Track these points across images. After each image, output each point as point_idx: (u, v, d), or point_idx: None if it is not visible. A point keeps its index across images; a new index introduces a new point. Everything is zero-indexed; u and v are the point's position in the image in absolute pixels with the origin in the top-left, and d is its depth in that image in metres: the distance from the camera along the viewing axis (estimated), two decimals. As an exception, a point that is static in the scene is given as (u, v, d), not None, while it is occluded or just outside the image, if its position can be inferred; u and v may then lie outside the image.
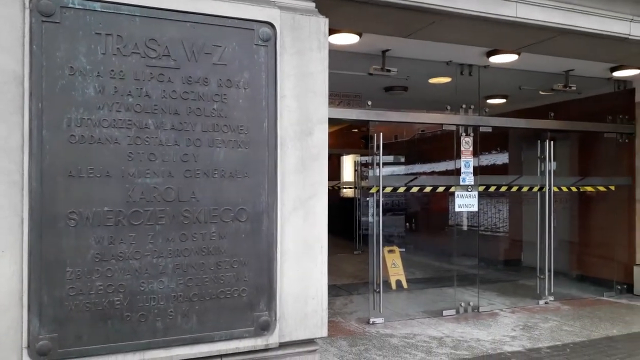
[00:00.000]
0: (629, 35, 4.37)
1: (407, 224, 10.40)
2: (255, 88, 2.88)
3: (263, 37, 2.90)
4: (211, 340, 2.71)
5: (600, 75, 6.42)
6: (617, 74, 6.22)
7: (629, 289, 6.68)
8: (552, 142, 6.26)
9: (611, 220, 6.87)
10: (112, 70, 2.56)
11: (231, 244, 2.77)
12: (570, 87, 6.44)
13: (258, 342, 2.81)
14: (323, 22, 3.18)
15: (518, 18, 3.99)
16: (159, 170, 2.64)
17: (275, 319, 2.85)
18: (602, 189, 6.63)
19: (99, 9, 2.54)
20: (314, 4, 3.22)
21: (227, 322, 2.75)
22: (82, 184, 2.49)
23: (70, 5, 2.49)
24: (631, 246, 6.73)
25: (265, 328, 2.83)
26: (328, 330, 3.09)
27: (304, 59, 3.09)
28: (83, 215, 2.49)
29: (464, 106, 5.84)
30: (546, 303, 6.10)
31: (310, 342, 3.02)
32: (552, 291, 6.21)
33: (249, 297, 2.80)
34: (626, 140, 6.79)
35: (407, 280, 6.25)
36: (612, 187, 6.64)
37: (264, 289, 2.83)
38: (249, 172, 2.82)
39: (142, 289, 2.59)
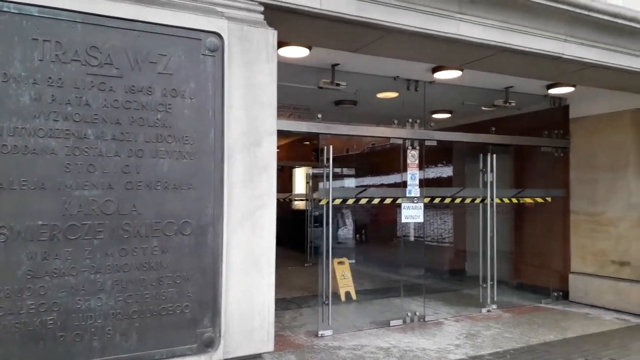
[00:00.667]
0: (563, 54, 4.60)
1: (357, 235, 10.51)
2: (201, 98, 2.84)
3: (210, 47, 2.87)
4: (152, 358, 2.61)
5: (538, 92, 6.75)
6: (553, 91, 6.57)
7: (565, 296, 7.02)
8: (493, 155, 6.52)
9: (548, 231, 7.23)
10: (50, 78, 2.45)
11: (174, 258, 2.69)
12: (509, 103, 6.75)
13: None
14: (272, 34, 3.19)
15: (460, 35, 4.11)
16: (98, 182, 2.54)
17: (220, 335, 2.78)
18: (539, 200, 6.97)
19: (37, 14, 2.44)
20: (262, 16, 3.23)
21: (169, 340, 2.66)
22: (14, 196, 2.35)
23: (5, 9, 2.37)
24: (566, 255, 7.10)
25: (209, 345, 2.75)
26: (276, 344, 3.04)
27: (253, 70, 3.08)
28: (14, 229, 2.35)
29: (410, 120, 5.99)
30: (489, 311, 6.31)
31: (256, 357, 2.97)
32: (494, 299, 6.43)
33: (193, 313, 2.72)
34: (561, 154, 7.18)
35: (357, 292, 6.28)
36: (549, 199, 7.00)
37: (208, 304, 2.76)
38: (194, 184, 2.76)
39: (78, 306, 2.46)
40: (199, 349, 2.72)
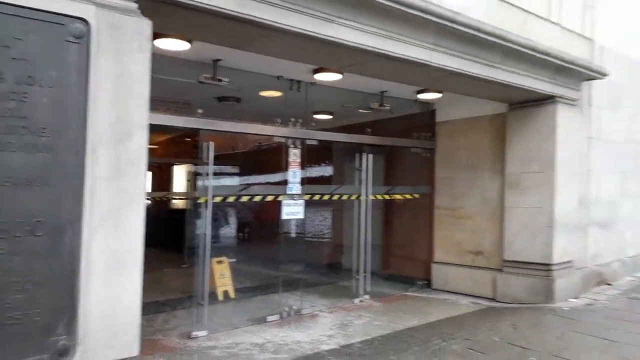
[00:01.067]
0: (430, 61, 4.97)
1: (240, 234, 10.44)
2: (63, 87, 2.64)
3: (75, 34, 2.68)
4: (-5, 373, 2.38)
5: (409, 97, 7.24)
6: (422, 96, 7.10)
7: (429, 284, 7.66)
8: (369, 155, 6.90)
9: (416, 224, 7.84)
10: None
11: (24, 262, 2.45)
12: (384, 106, 7.18)
13: (56, 370, 2.54)
14: (146, 24, 3.06)
15: (340, 39, 4.26)
16: None
17: (77, 343, 2.59)
18: (409, 196, 7.53)
19: None
20: (136, 5, 3.08)
21: (14, 352, 2.41)
22: None
23: None
24: (430, 246, 7.76)
25: (63, 353, 2.55)
26: (146, 348, 2.93)
27: (123, 60, 2.94)
28: None
29: (292, 120, 6.08)
30: (361, 301, 6.64)
31: (121, 362, 2.83)
32: (367, 290, 6.80)
33: (45, 320, 2.50)
34: (428, 155, 7.82)
35: (236, 290, 6.23)
36: (417, 195, 7.58)
37: (63, 310, 2.56)
38: (51, 180, 2.55)
39: None
40: (52, 359, 2.52)
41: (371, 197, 6.95)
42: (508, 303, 6.59)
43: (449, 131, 7.67)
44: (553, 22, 6.42)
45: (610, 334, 5.04)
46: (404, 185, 7.56)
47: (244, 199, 5.83)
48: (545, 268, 6.41)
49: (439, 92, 6.79)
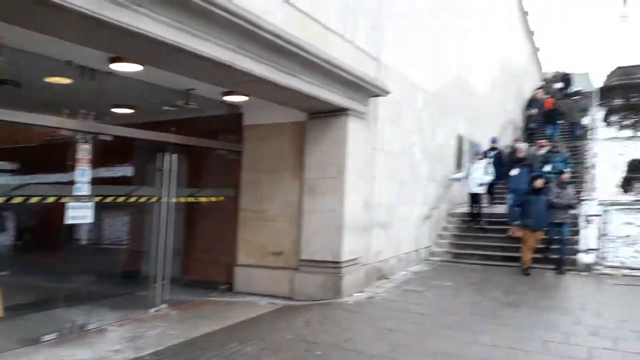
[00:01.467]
0: (234, 64, 4.93)
1: (18, 242, 8.97)
2: None
3: None
4: None
5: (216, 97, 7.10)
6: (228, 98, 7.01)
7: (231, 288, 7.63)
8: (174, 155, 6.59)
9: (220, 228, 7.78)
10: None
11: None
12: (189, 104, 6.92)
13: None
14: None
15: (134, 27, 3.96)
16: None
17: None
18: (214, 199, 7.44)
19: None
20: None
21: None
22: None
23: None
24: (234, 249, 7.77)
25: None
26: None
27: None
28: None
29: (83, 111, 5.49)
30: (157, 311, 6.27)
31: None
32: (165, 298, 6.47)
33: None
34: (235, 157, 7.84)
35: (5, 308, 5.29)
36: (222, 198, 7.54)
37: None
38: None
39: None
40: None
41: (174, 199, 6.65)
42: (303, 301, 6.93)
43: (255, 135, 7.81)
44: (347, 40, 7.03)
45: (386, 323, 5.70)
46: (209, 187, 7.44)
47: (17, 200, 5.00)
48: (335, 266, 6.97)
49: (246, 95, 6.83)
